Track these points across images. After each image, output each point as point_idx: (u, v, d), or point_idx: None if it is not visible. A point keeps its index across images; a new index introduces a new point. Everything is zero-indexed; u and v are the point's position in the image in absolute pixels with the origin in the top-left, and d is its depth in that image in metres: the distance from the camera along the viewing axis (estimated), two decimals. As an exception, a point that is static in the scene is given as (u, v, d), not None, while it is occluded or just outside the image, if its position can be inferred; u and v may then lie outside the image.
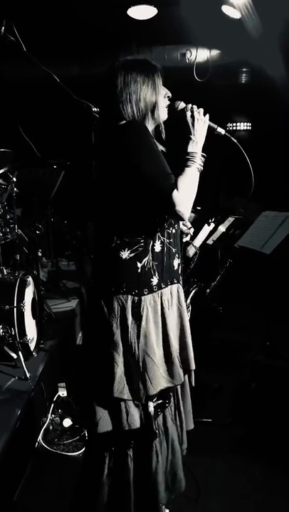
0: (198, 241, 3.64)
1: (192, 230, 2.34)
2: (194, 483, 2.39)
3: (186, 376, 1.96)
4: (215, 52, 5.76)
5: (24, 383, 2.89)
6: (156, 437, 1.83)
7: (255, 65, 5.81)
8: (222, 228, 4.02)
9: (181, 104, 1.85)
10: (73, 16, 4.96)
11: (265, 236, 3.39)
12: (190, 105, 1.83)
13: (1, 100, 4.35)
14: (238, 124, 6.67)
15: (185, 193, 1.68)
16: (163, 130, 1.87)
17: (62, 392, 3.18)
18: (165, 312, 1.80)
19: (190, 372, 1.98)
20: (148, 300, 1.76)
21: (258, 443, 2.82)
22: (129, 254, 1.74)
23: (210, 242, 4.07)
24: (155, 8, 4.87)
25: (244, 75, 6.22)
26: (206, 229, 3.76)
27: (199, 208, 3.71)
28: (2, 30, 2.00)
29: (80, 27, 5.22)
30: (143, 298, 1.75)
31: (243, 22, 4.69)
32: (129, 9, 4.91)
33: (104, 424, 1.79)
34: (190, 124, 1.80)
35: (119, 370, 1.74)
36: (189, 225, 2.26)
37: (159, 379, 1.76)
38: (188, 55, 5.77)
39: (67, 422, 2.96)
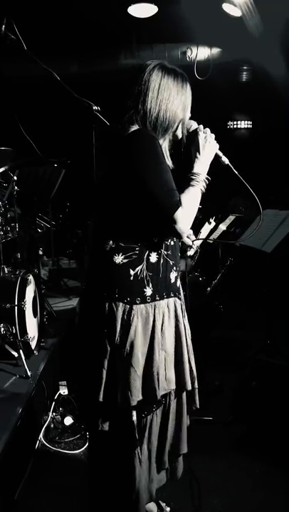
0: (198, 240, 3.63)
1: (195, 244, 2.32)
2: (195, 480, 2.39)
3: (184, 396, 1.90)
4: (216, 51, 5.76)
5: (25, 382, 2.89)
6: (138, 445, 1.80)
7: (256, 63, 5.81)
8: (223, 227, 4.02)
9: (194, 125, 1.85)
10: (73, 13, 4.96)
11: (265, 234, 3.38)
12: (201, 126, 1.83)
13: (1, 98, 4.35)
14: (239, 122, 6.67)
15: (187, 212, 1.67)
16: (181, 147, 1.85)
17: (63, 391, 3.18)
18: (156, 325, 1.75)
19: (192, 395, 1.93)
20: (140, 310, 1.72)
21: (259, 441, 2.82)
22: (123, 259, 1.71)
23: (210, 240, 4.07)
24: (156, 6, 4.87)
25: (245, 73, 6.22)
26: (207, 227, 3.76)
27: (200, 207, 3.71)
28: (3, 28, 2.00)
29: (80, 25, 5.21)
30: (135, 307, 1.71)
31: (243, 20, 4.69)
32: (130, 7, 4.91)
33: (96, 424, 1.80)
34: (201, 145, 1.79)
35: (106, 375, 1.73)
36: (193, 238, 2.24)
37: (138, 391, 1.73)
38: (188, 53, 5.76)
39: (68, 420, 2.97)
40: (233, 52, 5.79)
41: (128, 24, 5.24)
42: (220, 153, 1.85)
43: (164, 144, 1.78)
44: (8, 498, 2.31)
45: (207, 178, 1.79)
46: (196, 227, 3.49)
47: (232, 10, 4.67)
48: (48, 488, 2.48)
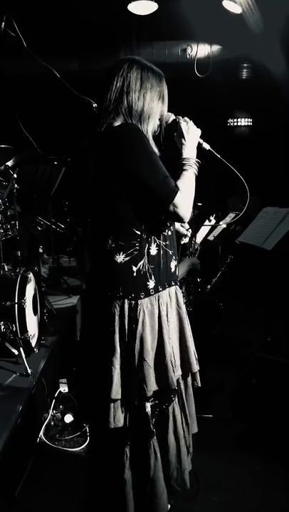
0: (199, 237, 3.64)
1: (190, 231, 2.35)
2: (195, 478, 2.40)
3: (189, 378, 1.96)
4: (216, 48, 5.74)
5: (25, 379, 2.89)
6: (153, 436, 1.82)
7: (256, 60, 5.79)
8: (223, 224, 4.02)
9: (172, 116, 1.89)
10: (73, 11, 4.94)
11: (266, 232, 3.38)
12: (180, 116, 1.88)
13: (1, 96, 4.35)
14: (239, 119, 6.66)
15: (186, 196, 1.71)
16: (161, 137, 1.88)
17: (64, 388, 3.19)
18: (162, 316, 1.78)
19: (194, 374, 1.96)
20: (144, 304, 1.74)
21: (259, 438, 2.83)
22: (124, 258, 1.72)
23: (211, 238, 4.08)
24: (156, 4, 4.85)
25: (245, 70, 6.20)
26: (207, 225, 3.76)
27: (200, 204, 3.72)
28: (2, 25, 1.99)
29: (80, 22, 5.20)
30: (139, 302, 1.73)
31: (243, 17, 4.67)
32: (130, 4, 4.88)
33: (100, 423, 1.79)
34: (184, 131, 1.84)
35: (117, 372, 1.73)
36: (187, 227, 2.25)
37: (153, 382, 1.76)
38: (188, 50, 5.75)
39: (68, 418, 2.97)
40: (233, 49, 5.77)
41: (128, 21, 5.22)
42: (200, 140, 1.89)
43: (148, 133, 1.79)
44: (9, 495, 2.31)
45: (197, 161, 1.82)
46: (197, 225, 3.49)
47: (232, 7, 4.65)
48: (49, 485, 2.48)
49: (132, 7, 4.92)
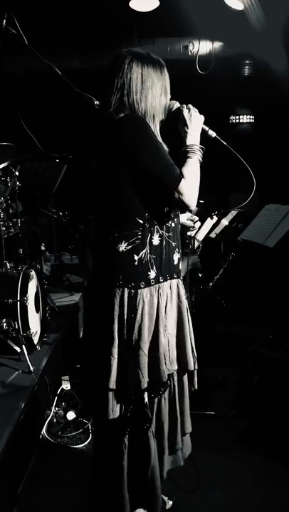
0: (201, 234, 3.64)
1: (198, 224, 2.34)
2: (197, 474, 2.40)
3: (185, 376, 1.95)
4: (218, 45, 5.71)
5: (28, 377, 2.90)
6: (151, 426, 1.84)
7: (259, 57, 5.77)
8: (225, 221, 4.02)
9: (176, 105, 1.88)
10: (75, 8, 4.93)
11: (268, 229, 3.37)
12: (184, 104, 1.87)
13: (2, 93, 4.34)
14: (241, 116, 6.63)
15: (191, 183, 1.72)
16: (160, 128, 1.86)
17: (66, 385, 3.20)
18: (160, 307, 1.79)
19: (192, 374, 1.97)
20: (144, 293, 1.75)
21: (261, 435, 2.83)
22: (126, 246, 1.73)
23: (213, 235, 4.08)
24: (157, 0, 4.83)
25: (247, 67, 6.17)
26: (209, 222, 3.75)
27: (202, 202, 3.72)
28: (4, 23, 1.99)
29: (81, 19, 5.18)
30: (139, 291, 1.74)
31: (246, 14, 4.66)
32: (131, 1, 4.87)
33: (100, 414, 1.81)
34: (187, 119, 1.83)
35: (115, 362, 1.75)
36: (196, 218, 2.25)
37: (147, 372, 1.77)
38: (190, 47, 5.72)
39: (70, 415, 2.98)
40: (235, 46, 5.74)
41: (129, 18, 5.20)
42: (206, 128, 1.88)
43: (156, 130, 1.78)
44: (12, 492, 2.32)
45: (201, 148, 1.81)
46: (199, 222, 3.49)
47: (234, 3, 4.62)
48: (51, 482, 2.49)
49: (133, 4, 4.91)
